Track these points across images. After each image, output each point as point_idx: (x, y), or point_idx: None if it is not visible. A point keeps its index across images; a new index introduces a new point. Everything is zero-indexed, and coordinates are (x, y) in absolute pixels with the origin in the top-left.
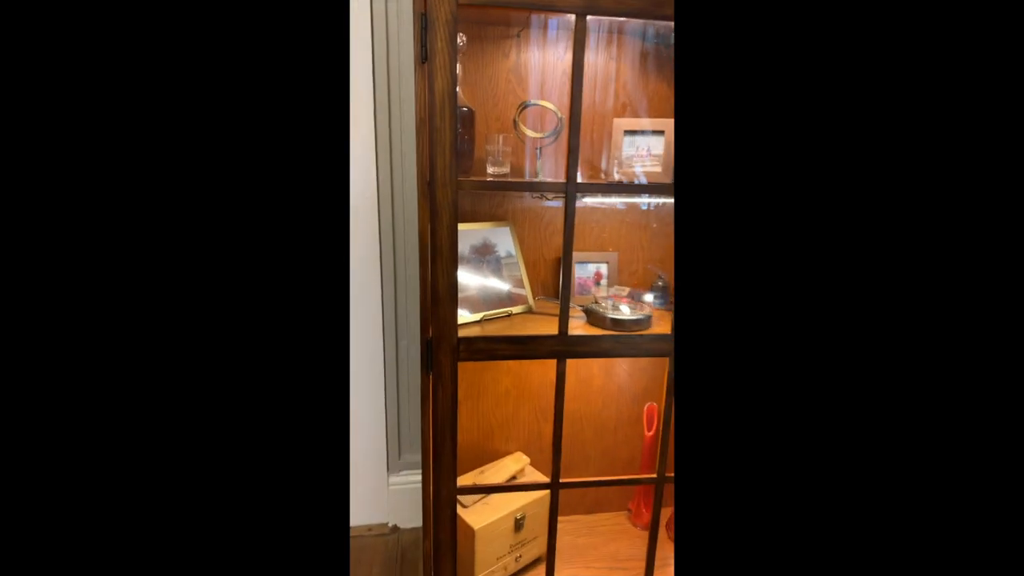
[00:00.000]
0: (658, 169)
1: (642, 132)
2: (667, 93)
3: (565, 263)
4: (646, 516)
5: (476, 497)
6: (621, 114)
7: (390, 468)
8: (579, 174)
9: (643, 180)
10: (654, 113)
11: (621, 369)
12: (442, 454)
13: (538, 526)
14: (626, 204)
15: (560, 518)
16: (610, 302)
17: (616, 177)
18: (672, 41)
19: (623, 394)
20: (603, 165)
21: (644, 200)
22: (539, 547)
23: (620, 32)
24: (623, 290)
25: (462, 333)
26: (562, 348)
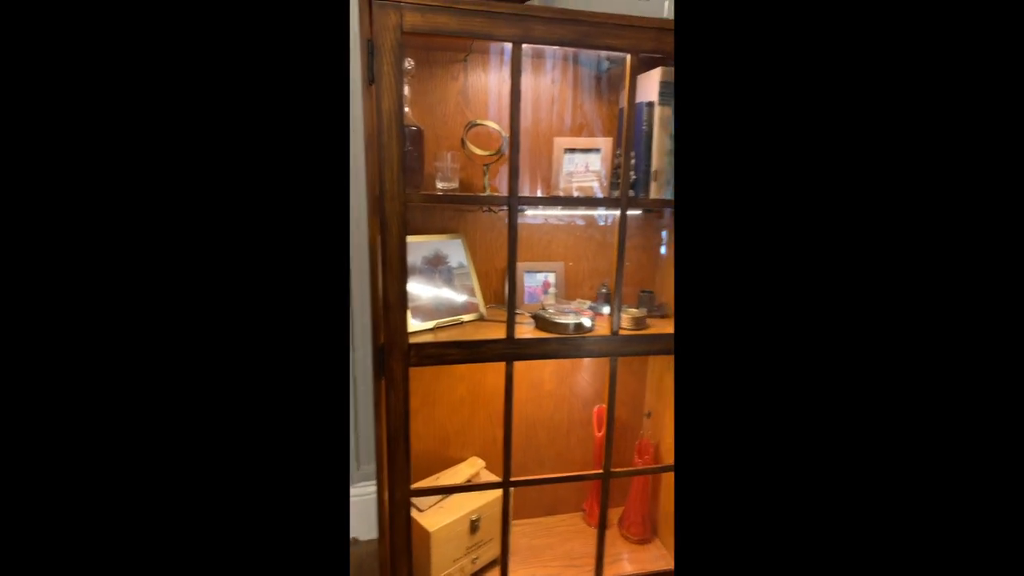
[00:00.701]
0: (595, 184)
1: (581, 150)
2: (608, 114)
3: (510, 271)
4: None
5: (432, 501)
6: (578, 133)
7: (349, 480)
8: (539, 189)
9: (597, 194)
10: (597, 132)
11: (571, 373)
12: (396, 457)
13: (495, 528)
14: (572, 217)
15: (518, 521)
16: (571, 312)
17: (560, 192)
18: (603, 68)
19: (575, 398)
20: (560, 182)
21: (589, 213)
22: (496, 548)
23: (567, 59)
24: (584, 303)
25: (414, 340)
26: (510, 351)
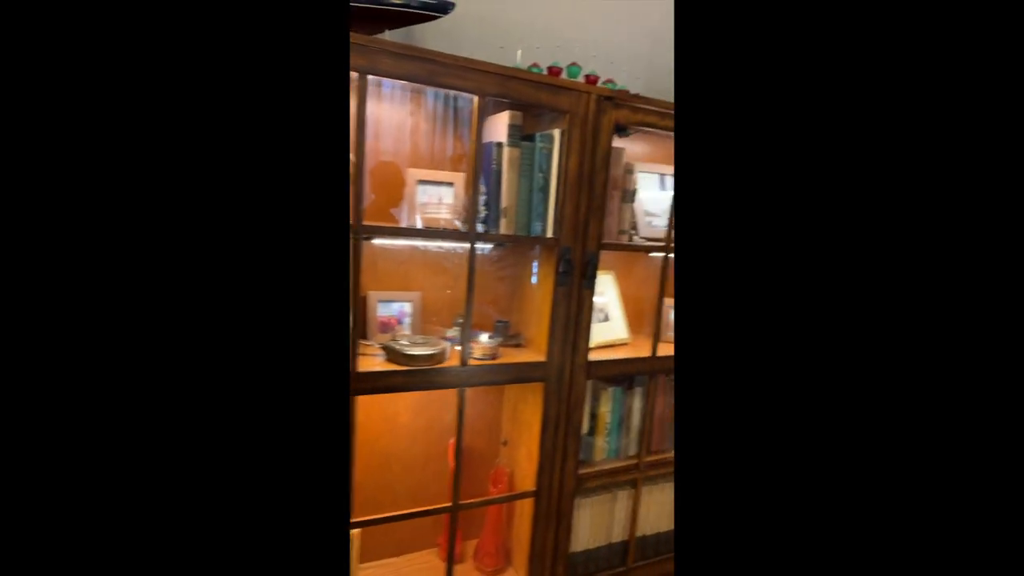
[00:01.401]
0: (448, 216)
1: (435, 182)
2: (469, 150)
3: (353, 302)
4: (456, 549)
5: None
6: (436, 166)
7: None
8: (418, 219)
9: (456, 226)
10: (457, 166)
11: (428, 405)
12: None
13: None
14: (433, 247)
15: (368, 563)
16: (424, 343)
17: (415, 222)
18: (459, 105)
19: (431, 430)
20: (414, 212)
21: (447, 245)
22: None
23: (423, 94)
24: (450, 331)
25: None
26: (351, 386)
